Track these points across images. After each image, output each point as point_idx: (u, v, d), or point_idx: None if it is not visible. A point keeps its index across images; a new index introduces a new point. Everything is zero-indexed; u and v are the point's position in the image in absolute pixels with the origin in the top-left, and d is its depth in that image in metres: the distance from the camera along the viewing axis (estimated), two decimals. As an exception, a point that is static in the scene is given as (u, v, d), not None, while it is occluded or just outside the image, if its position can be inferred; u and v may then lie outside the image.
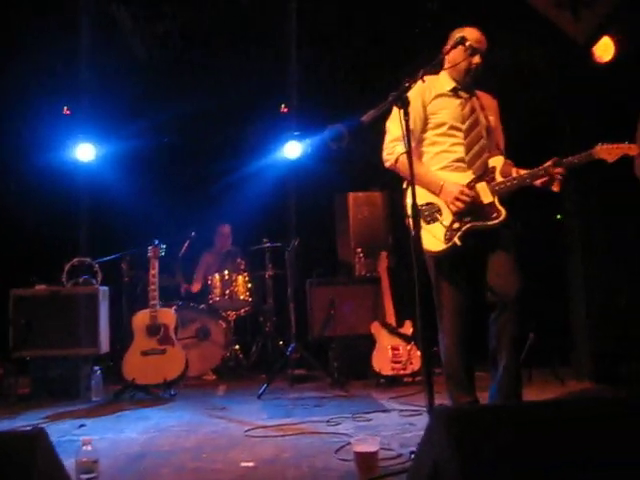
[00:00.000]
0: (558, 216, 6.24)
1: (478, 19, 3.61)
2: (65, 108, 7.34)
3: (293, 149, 7.41)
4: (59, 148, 7.08)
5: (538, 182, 3.53)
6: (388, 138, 3.67)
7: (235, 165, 7.28)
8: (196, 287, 7.27)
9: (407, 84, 3.01)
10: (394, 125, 3.56)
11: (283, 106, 7.60)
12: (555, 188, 3.52)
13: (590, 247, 5.49)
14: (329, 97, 7.09)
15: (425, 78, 3.22)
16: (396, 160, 3.54)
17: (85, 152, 7.19)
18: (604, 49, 5.20)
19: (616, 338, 5.31)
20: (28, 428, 3.98)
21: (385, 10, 6.16)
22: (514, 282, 3.47)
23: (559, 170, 3.46)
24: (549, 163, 3.49)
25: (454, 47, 3.49)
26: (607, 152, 3.41)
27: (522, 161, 3.71)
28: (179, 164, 7.52)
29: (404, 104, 2.93)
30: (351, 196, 6.90)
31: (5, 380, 5.59)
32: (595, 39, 5.15)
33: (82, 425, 4.35)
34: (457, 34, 3.54)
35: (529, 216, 5.72)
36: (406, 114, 2.92)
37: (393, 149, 3.60)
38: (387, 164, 3.66)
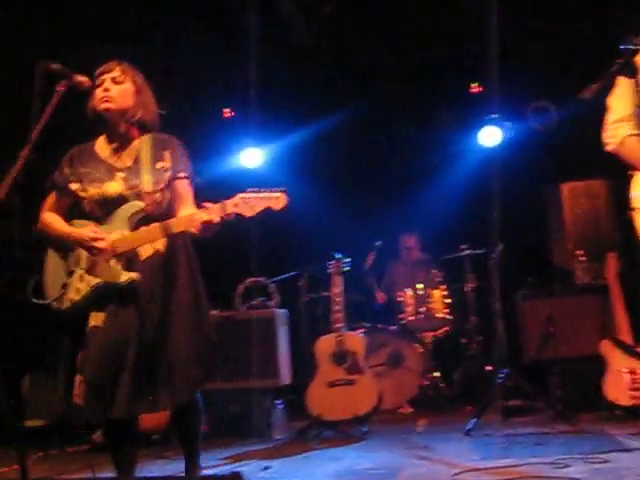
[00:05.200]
0: None
1: None
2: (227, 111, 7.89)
3: (490, 135, 7.30)
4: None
5: None
6: (610, 118, 3.63)
7: (419, 163, 7.34)
8: (382, 298, 7.44)
9: (634, 46, 2.94)
10: (618, 101, 3.53)
11: (476, 84, 7.56)
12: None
13: None
14: (532, 69, 6.93)
15: None
16: (620, 143, 3.53)
17: (251, 157, 7.64)
18: None
19: None
20: (225, 472, 4.28)
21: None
22: None
23: None
24: None
25: None
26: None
27: None
28: (354, 167, 7.68)
29: (632, 72, 2.87)
30: (566, 187, 6.68)
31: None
32: None
33: (267, 467, 4.53)
34: None
35: None
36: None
37: (616, 131, 3.59)
38: (608, 148, 3.66)
